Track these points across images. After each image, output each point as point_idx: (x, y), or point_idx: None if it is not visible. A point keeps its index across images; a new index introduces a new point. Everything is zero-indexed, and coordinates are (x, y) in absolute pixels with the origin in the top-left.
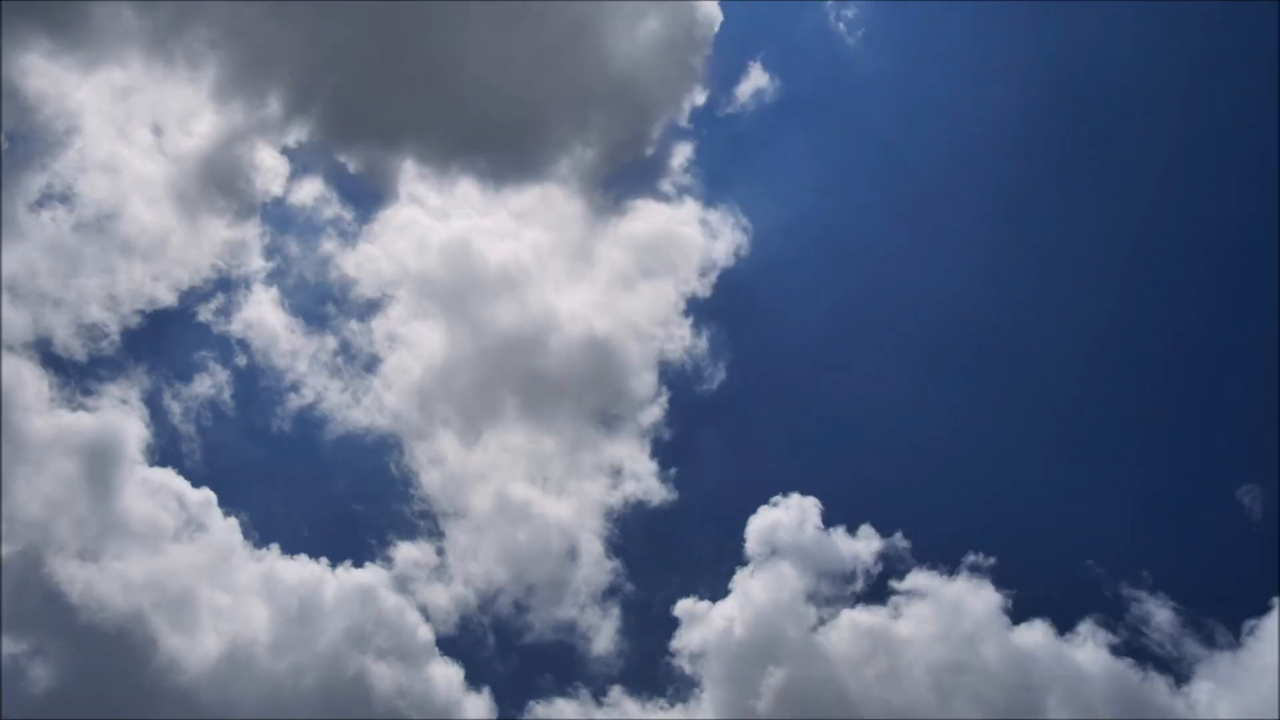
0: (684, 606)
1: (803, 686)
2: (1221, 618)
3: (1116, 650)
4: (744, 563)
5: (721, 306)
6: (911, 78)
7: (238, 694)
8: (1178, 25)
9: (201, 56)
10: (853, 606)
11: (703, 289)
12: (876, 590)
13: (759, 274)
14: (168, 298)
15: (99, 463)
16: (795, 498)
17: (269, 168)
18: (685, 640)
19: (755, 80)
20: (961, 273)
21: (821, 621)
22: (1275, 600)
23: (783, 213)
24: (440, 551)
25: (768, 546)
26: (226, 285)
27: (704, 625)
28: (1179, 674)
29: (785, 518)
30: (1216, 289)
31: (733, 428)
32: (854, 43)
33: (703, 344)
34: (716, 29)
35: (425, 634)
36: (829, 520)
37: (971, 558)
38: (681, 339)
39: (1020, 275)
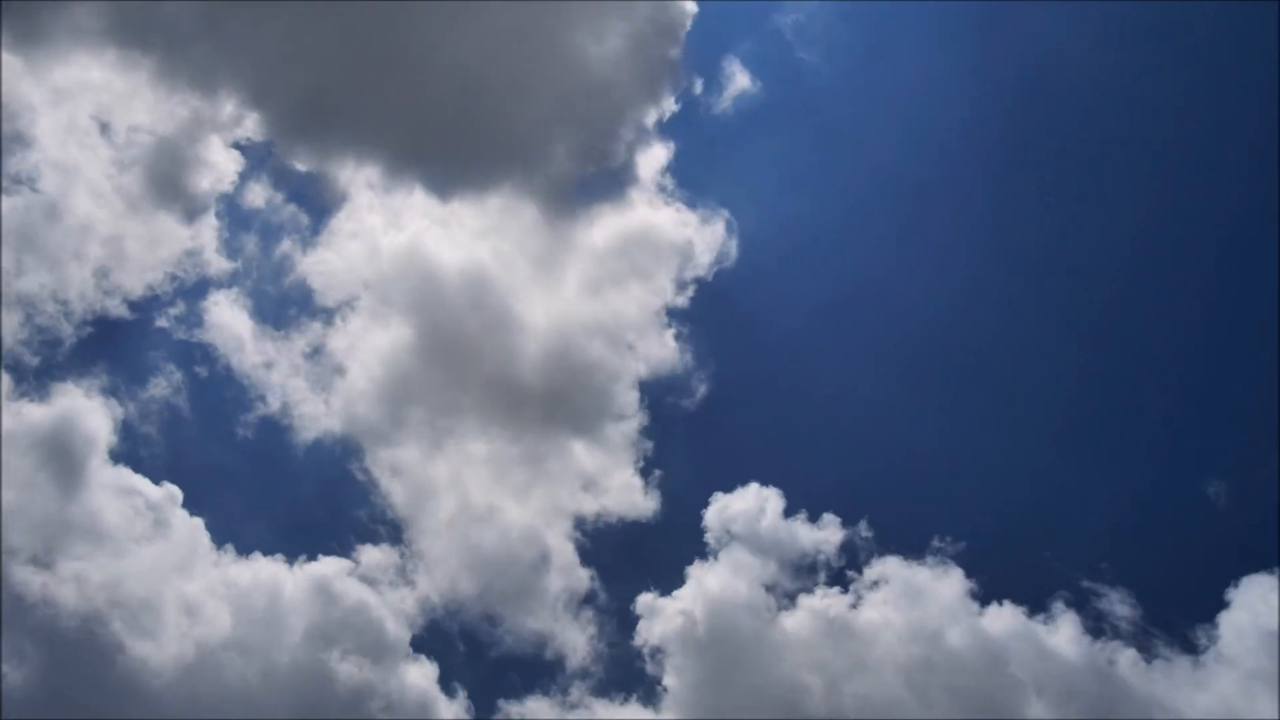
0: (645, 601)
1: (768, 675)
2: (1184, 605)
3: (1085, 634)
4: (705, 555)
5: (694, 307)
6: (887, 77)
7: (205, 695)
8: (1140, 23)
9: (157, 51)
10: (812, 593)
11: (674, 290)
12: (840, 577)
13: (732, 274)
14: (122, 297)
15: (60, 462)
16: (755, 487)
17: (225, 166)
18: (648, 634)
19: (730, 81)
20: (929, 269)
21: (784, 609)
22: (1232, 591)
23: (757, 214)
24: (407, 555)
25: (729, 537)
26: (183, 285)
27: (666, 619)
28: (1147, 657)
29: (746, 507)
30: (1193, 284)
31: (700, 423)
32: (828, 42)
33: (673, 344)
34: (688, 28)
35: (396, 635)
36: (790, 510)
37: (937, 544)
38: (649, 341)
39: (989, 271)
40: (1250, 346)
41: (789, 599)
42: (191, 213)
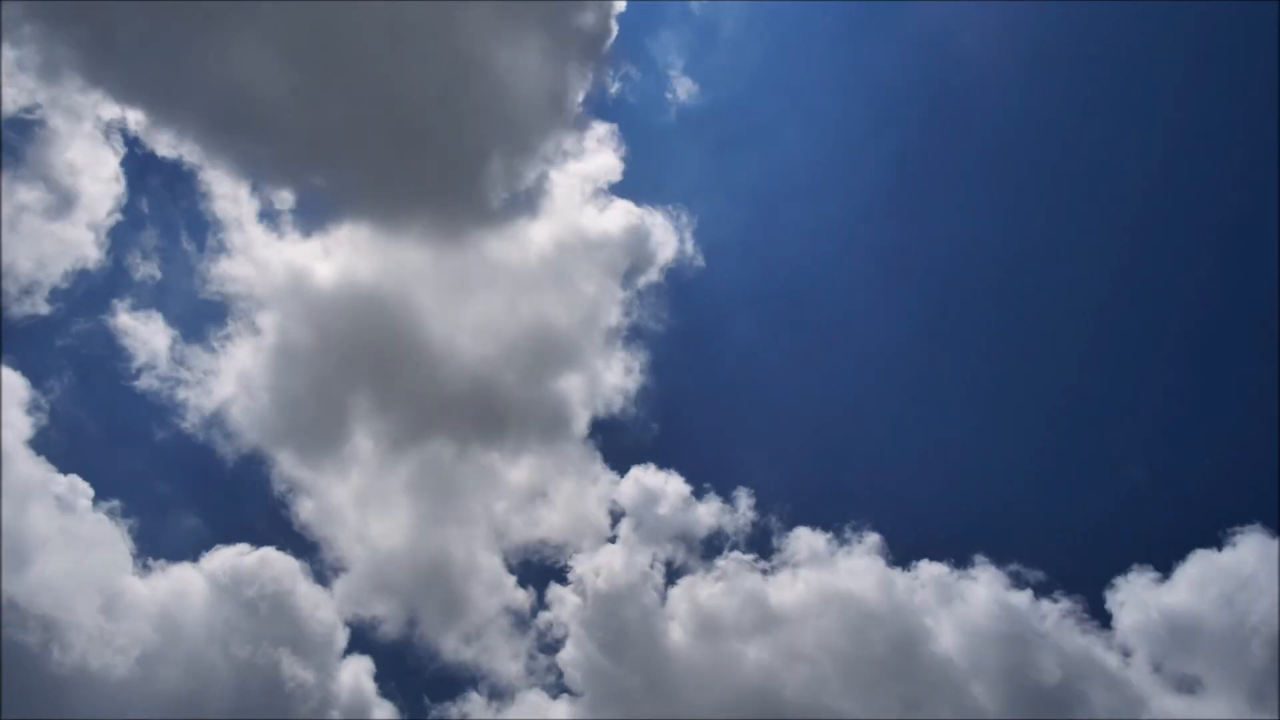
0: (556, 594)
1: (689, 653)
2: (1092, 582)
3: (1003, 596)
4: (614, 540)
5: (626, 315)
6: (827, 74)
7: (124, 697)
8: (1062, 20)
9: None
10: (715, 568)
11: (598, 300)
12: (758, 550)
13: (662, 274)
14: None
15: None
16: (656, 470)
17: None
18: (557, 624)
19: (661, 81)
20: (850, 258)
21: (690, 583)
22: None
23: (681, 211)
24: (325, 562)
25: (635, 521)
26: (73, 292)
27: (570, 608)
28: (1061, 630)
29: (654, 490)
30: (1128, 271)
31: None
32: (759, 40)
33: (602, 353)
34: (614, 30)
35: (327, 636)
36: (700, 492)
37: (854, 521)
38: (571, 353)
39: (907, 259)
40: (1185, 335)
41: (706, 572)
42: (77, 213)
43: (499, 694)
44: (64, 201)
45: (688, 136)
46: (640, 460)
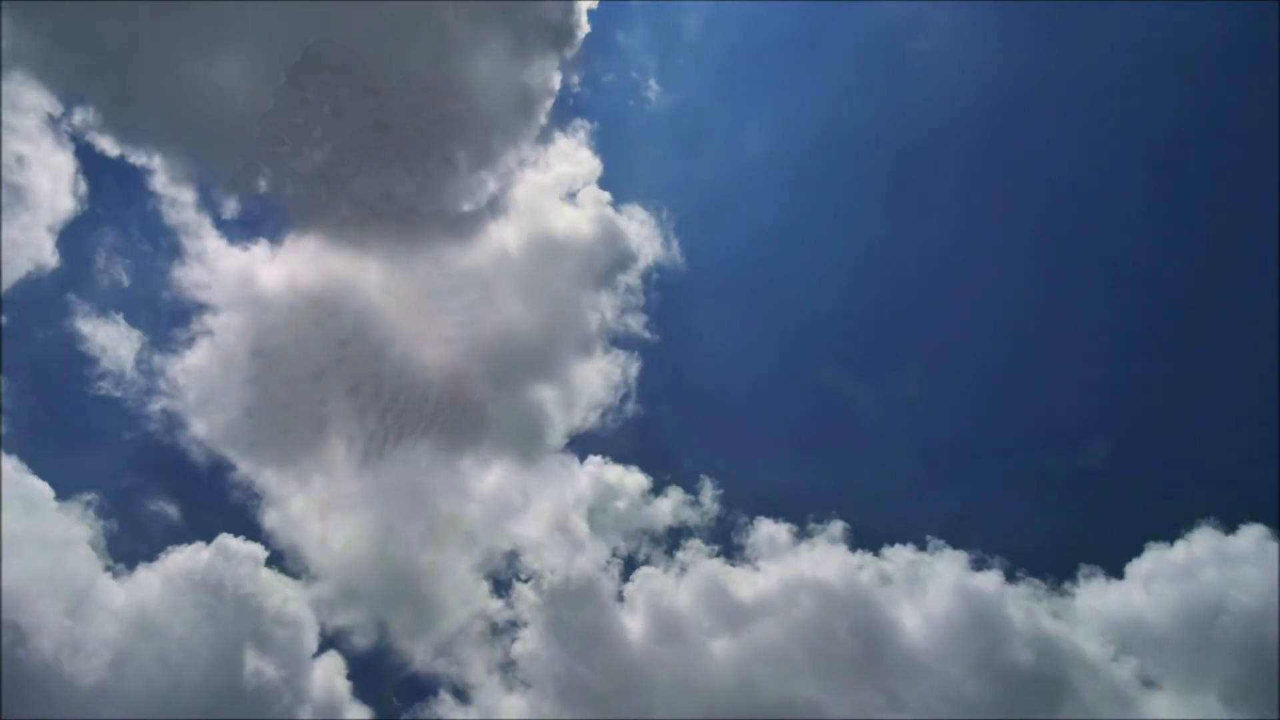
0: (518, 589)
1: (645, 643)
2: (1050, 571)
3: (965, 580)
4: (574, 533)
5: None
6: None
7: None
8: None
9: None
10: (674, 557)
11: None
12: (720, 542)
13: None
14: None
15: None
16: (618, 466)
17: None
18: (517, 617)
19: (632, 83)
20: (809, 256)
21: (666, 574)
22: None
23: (660, 211)
24: (298, 563)
25: (599, 513)
26: (33, 293)
27: (534, 608)
28: (1026, 616)
29: (613, 484)
30: (1096, 268)
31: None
32: (735, 41)
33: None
34: (585, 28)
35: (296, 639)
36: (659, 488)
37: (817, 514)
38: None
39: (862, 256)
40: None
41: (674, 561)
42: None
43: (461, 691)
44: (16, 200)
45: (663, 135)
46: (600, 453)
